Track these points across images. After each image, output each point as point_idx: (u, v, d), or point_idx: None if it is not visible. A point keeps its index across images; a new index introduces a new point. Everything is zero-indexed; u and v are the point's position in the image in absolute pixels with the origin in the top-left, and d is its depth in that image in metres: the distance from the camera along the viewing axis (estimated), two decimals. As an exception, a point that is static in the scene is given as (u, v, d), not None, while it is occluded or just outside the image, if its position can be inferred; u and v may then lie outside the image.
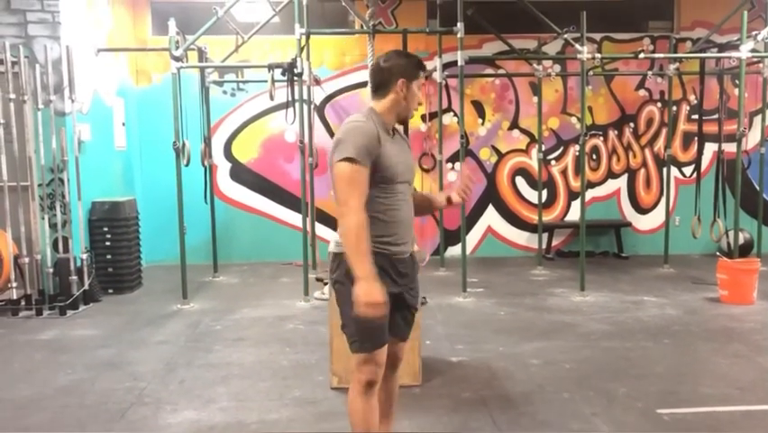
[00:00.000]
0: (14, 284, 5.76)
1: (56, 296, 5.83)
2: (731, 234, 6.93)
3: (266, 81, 6.18)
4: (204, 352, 4.58)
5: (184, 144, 6.23)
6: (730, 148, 7.15)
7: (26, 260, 5.86)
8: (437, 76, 7.40)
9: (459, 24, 5.94)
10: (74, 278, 5.89)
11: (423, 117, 8.25)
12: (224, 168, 8.24)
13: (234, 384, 3.94)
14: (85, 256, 6.05)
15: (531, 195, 8.42)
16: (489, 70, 8.25)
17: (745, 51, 6.38)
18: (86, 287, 5.98)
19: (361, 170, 2.45)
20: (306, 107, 6.61)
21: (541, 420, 3.35)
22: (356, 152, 2.43)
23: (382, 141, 2.51)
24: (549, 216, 8.47)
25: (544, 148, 7.95)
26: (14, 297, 5.75)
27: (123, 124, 7.53)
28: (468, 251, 6.90)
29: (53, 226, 6.05)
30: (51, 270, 5.92)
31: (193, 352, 4.59)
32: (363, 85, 7.80)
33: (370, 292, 2.34)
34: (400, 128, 2.83)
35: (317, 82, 7.94)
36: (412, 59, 2.69)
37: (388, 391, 2.80)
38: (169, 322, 5.45)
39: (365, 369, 2.54)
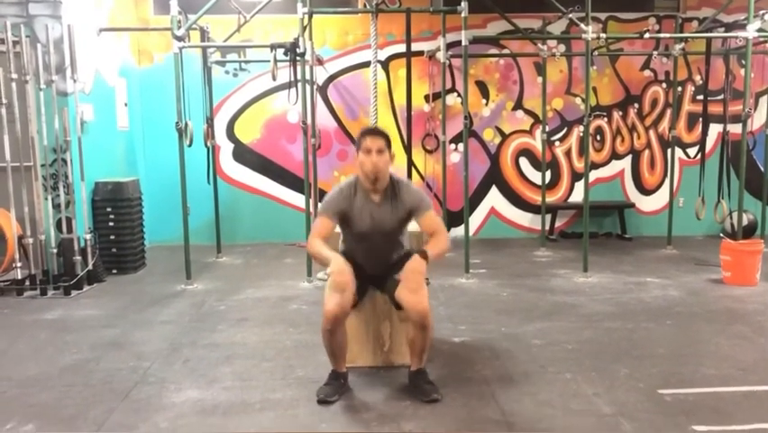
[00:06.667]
0: (19, 264, 5.80)
1: (60, 276, 5.86)
2: (735, 215, 6.92)
3: (268, 61, 6.14)
4: (208, 332, 4.61)
5: (186, 125, 6.21)
6: (735, 129, 7.11)
7: (30, 240, 5.87)
8: (441, 56, 7.34)
9: (463, 3, 5.88)
10: (78, 258, 5.91)
11: (426, 98, 8.22)
12: (226, 148, 8.23)
13: (238, 364, 3.96)
14: (88, 237, 6.07)
15: (534, 176, 8.40)
16: (494, 50, 8.19)
17: (751, 31, 6.32)
18: (89, 267, 6.00)
19: (322, 218, 3.47)
20: (308, 87, 6.57)
21: (542, 400, 3.37)
22: (324, 207, 3.49)
23: (351, 202, 3.46)
24: (552, 198, 8.46)
25: (548, 129, 7.92)
26: (19, 277, 5.78)
27: (126, 105, 7.51)
28: (471, 232, 6.90)
29: (57, 207, 6.06)
30: (55, 250, 5.93)
31: (197, 332, 4.61)
32: (366, 65, 7.74)
33: (336, 264, 3.25)
34: (408, 190, 3.53)
35: (320, 62, 7.90)
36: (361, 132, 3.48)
37: (411, 346, 3.48)
38: (173, 302, 5.47)
39: (324, 310, 3.33)
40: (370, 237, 3.53)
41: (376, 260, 3.60)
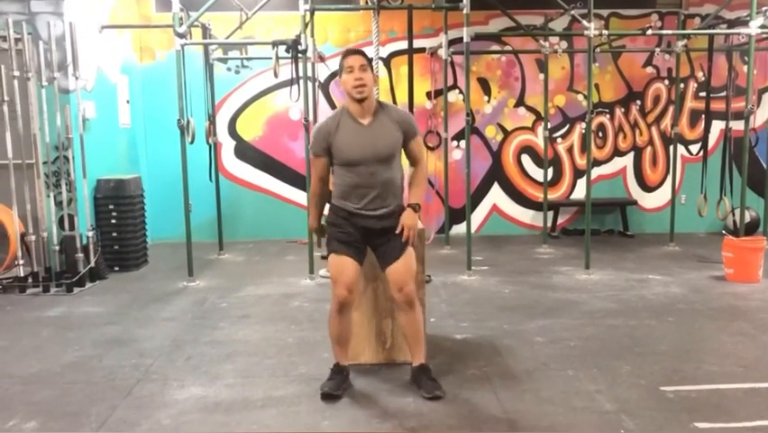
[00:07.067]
0: (21, 261, 5.80)
1: (62, 273, 5.87)
2: (737, 212, 6.91)
3: (270, 58, 6.14)
4: (210, 329, 4.61)
5: (188, 122, 6.20)
6: (738, 126, 7.09)
7: (32, 237, 5.88)
8: (443, 53, 7.33)
9: (465, 0, 5.87)
10: (80, 255, 5.92)
11: (428, 95, 8.21)
12: (228, 145, 8.23)
13: (240, 361, 3.97)
14: (91, 234, 6.07)
15: (536, 173, 8.39)
16: (496, 47, 8.18)
17: (754, 27, 6.29)
18: (92, 264, 6.01)
19: (314, 159, 3.50)
20: (310, 85, 6.57)
21: (544, 397, 3.37)
22: (312, 146, 3.48)
23: (335, 132, 3.38)
24: (554, 194, 8.45)
25: (550, 125, 7.90)
26: (21, 274, 5.79)
27: (128, 102, 7.52)
28: (473, 229, 6.89)
29: (59, 204, 6.06)
30: (57, 247, 5.94)
31: (199, 329, 4.62)
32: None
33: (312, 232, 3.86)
34: (397, 111, 3.52)
35: (322, 59, 7.88)
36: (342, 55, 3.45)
37: (405, 334, 3.54)
38: (175, 299, 5.48)
39: (333, 294, 3.44)
40: (362, 163, 3.36)
41: (372, 198, 3.39)
